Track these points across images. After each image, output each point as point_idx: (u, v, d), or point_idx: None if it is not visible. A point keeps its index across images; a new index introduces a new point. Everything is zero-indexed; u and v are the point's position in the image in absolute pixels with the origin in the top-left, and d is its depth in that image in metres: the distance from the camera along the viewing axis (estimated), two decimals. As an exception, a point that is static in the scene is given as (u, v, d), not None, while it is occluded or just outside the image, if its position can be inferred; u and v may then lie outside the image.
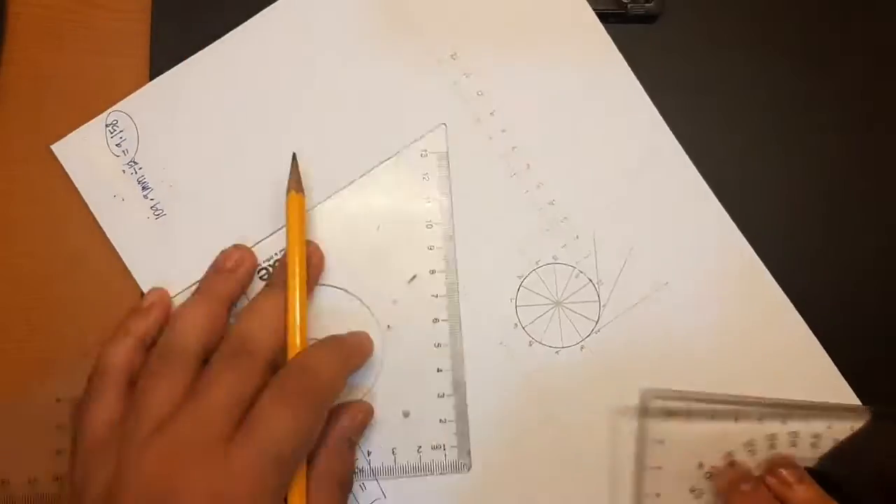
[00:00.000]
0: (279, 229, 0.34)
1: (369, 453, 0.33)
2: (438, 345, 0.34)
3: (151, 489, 0.27)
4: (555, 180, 0.35)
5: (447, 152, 0.34)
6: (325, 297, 0.34)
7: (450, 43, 0.35)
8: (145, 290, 0.34)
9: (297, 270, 0.31)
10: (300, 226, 0.32)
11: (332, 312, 0.34)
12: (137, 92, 0.35)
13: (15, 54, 0.35)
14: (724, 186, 0.35)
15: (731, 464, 0.33)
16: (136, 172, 0.34)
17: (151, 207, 0.34)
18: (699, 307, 0.34)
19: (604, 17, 0.35)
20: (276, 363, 0.30)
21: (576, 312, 0.34)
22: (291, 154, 0.33)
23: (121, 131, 0.34)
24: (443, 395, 0.34)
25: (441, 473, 0.33)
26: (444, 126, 0.34)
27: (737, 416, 0.33)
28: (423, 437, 0.33)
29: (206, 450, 0.27)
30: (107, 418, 0.29)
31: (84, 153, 0.34)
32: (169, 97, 0.34)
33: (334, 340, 0.32)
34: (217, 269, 0.33)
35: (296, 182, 0.32)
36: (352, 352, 0.32)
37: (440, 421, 0.33)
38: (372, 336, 0.33)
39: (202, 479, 0.27)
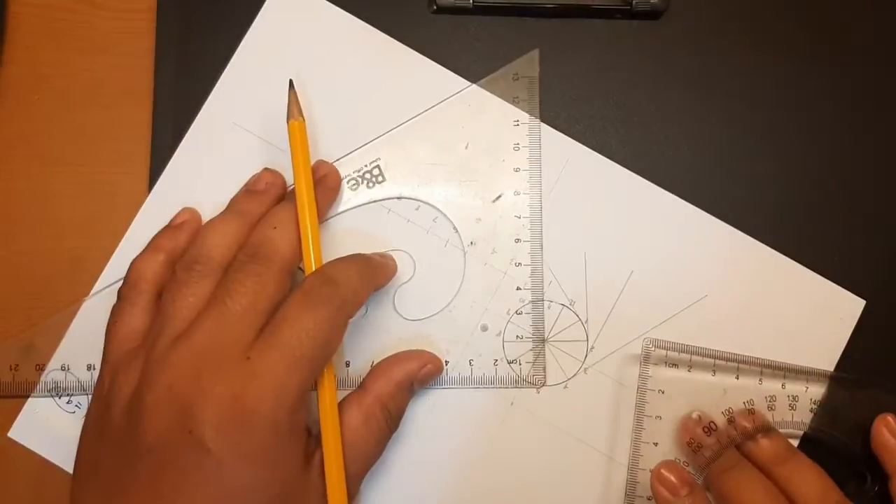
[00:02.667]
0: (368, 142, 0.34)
1: (447, 363, 0.34)
2: (518, 264, 0.34)
3: (174, 393, 0.27)
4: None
5: (538, 77, 0.35)
6: (410, 210, 0.34)
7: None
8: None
9: (306, 200, 0.31)
10: (304, 153, 0.32)
11: (418, 226, 0.34)
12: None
13: (15, 54, 0.35)
14: (726, 183, 0.35)
15: (731, 420, 0.33)
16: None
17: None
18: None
19: (609, 14, 0.35)
20: (294, 272, 0.31)
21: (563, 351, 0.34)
22: (288, 81, 0.33)
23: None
24: (521, 313, 0.34)
25: (516, 387, 0.34)
26: (536, 50, 0.35)
27: (738, 374, 0.33)
28: (500, 351, 0.34)
29: (228, 354, 0.27)
30: (134, 329, 0.30)
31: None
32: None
33: (360, 257, 0.32)
34: (248, 189, 0.33)
35: (296, 109, 0.32)
36: (377, 270, 0.32)
37: (517, 337, 0.34)
38: (455, 251, 0.34)
39: (224, 381, 0.27)
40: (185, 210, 0.34)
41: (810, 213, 0.35)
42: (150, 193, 0.34)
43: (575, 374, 0.34)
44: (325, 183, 0.33)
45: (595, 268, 0.34)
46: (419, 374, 0.32)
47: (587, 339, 0.34)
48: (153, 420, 0.27)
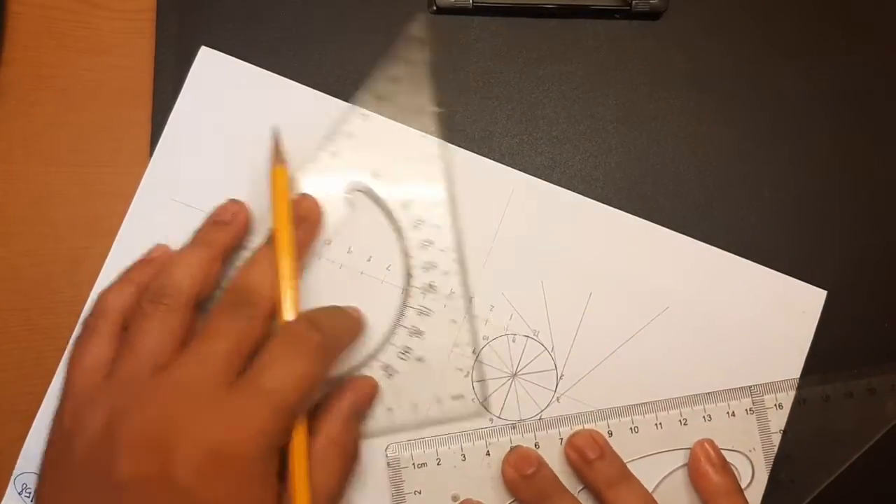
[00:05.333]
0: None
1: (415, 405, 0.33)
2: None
3: (152, 430, 0.27)
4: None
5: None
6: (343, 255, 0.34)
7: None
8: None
9: (286, 245, 0.31)
10: (285, 199, 0.32)
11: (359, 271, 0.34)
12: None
13: (15, 54, 0.35)
14: (724, 183, 0.35)
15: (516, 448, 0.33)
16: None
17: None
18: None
19: (609, 14, 0.35)
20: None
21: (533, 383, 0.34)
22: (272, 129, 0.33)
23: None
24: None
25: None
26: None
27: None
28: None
29: (208, 396, 0.27)
30: (99, 359, 0.29)
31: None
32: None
33: (339, 308, 0.32)
34: (213, 220, 0.33)
35: (278, 155, 0.32)
36: (354, 323, 0.32)
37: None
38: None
39: (205, 423, 0.27)
40: (158, 246, 0.33)
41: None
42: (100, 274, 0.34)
43: (548, 405, 0.34)
44: (308, 220, 0.33)
45: (554, 295, 0.34)
46: (359, 401, 0.32)
47: (556, 368, 0.34)
48: (128, 456, 0.26)
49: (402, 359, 0.33)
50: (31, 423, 0.34)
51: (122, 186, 0.35)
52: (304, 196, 0.33)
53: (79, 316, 0.34)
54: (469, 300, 0.34)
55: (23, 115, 0.35)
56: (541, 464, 0.32)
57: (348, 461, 0.31)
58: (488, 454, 0.33)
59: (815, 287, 0.34)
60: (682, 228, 0.34)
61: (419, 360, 0.33)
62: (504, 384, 0.34)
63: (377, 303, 0.34)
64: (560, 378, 0.34)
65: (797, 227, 0.35)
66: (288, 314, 0.30)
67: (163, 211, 0.34)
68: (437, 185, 0.34)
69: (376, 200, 0.34)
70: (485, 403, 0.33)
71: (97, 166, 0.35)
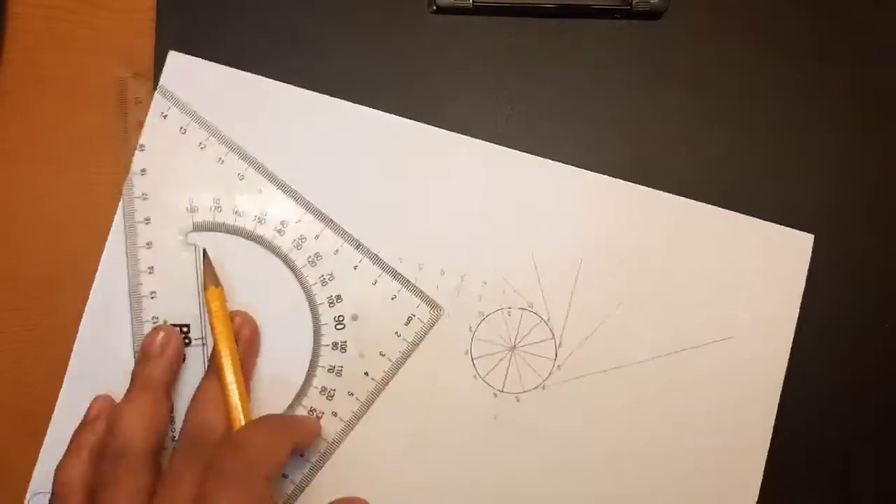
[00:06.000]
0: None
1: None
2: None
3: None
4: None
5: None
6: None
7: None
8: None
9: (230, 363, 0.31)
10: (225, 321, 0.32)
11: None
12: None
13: (15, 54, 0.35)
14: (724, 182, 0.35)
15: None
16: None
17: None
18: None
19: (609, 14, 0.35)
20: None
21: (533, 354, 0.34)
22: (202, 251, 0.33)
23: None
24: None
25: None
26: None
27: None
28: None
29: None
30: None
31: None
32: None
33: (271, 416, 0.32)
34: (144, 356, 0.33)
35: (210, 277, 0.33)
36: (291, 428, 0.32)
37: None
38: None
39: None
40: (96, 399, 0.33)
41: (811, 211, 0.35)
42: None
43: (550, 374, 0.34)
44: (243, 336, 0.33)
45: (546, 266, 0.34)
46: (304, 441, 0.32)
47: (553, 337, 0.34)
48: None
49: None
50: (32, 422, 0.34)
51: (121, 186, 0.35)
52: (239, 313, 0.33)
53: (79, 316, 0.34)
54: (461, 278, 0.34)
55: (23, 115, 0.35)
56: None
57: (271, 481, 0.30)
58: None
59: (801, 231, 0.34)
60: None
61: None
62: (504, 358, 0.34)
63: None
64: (559, 346, 0.34)
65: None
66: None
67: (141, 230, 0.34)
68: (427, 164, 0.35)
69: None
70: (486, 379, 0.34)
71: (97, 166, 0.35)
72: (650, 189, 0.34)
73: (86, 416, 0.32)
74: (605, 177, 0.34)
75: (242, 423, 0.31)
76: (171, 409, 0.33)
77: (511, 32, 0.35)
